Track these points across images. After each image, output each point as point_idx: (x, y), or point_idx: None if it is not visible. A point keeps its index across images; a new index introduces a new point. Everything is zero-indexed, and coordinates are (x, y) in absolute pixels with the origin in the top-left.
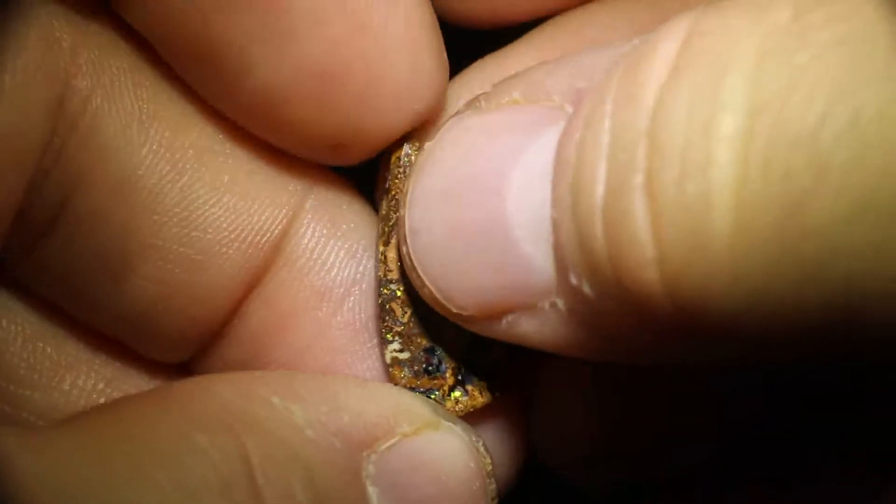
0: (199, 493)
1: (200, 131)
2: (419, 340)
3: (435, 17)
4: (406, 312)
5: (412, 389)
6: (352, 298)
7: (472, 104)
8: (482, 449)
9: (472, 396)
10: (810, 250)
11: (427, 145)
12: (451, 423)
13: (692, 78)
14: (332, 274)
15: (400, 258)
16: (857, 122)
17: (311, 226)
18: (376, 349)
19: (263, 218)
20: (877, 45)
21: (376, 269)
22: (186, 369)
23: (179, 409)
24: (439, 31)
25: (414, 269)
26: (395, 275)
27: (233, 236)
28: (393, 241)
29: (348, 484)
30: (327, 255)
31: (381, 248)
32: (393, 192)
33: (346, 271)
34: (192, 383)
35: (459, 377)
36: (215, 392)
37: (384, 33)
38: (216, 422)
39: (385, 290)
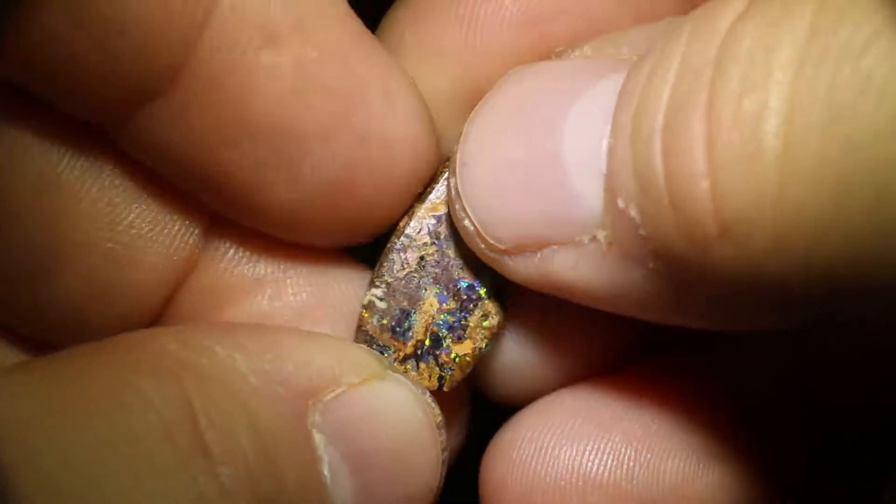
0: (141, 437)
1: None
2: (401, 299)
3: (425, 102)
4: (405, 269)
5: (370, 339)
6: (289, 280)
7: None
8: (430, 401)
9: (420, 375)
10: (848, 165)
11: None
12: (398, 375)
13: (764, 10)
14: (264, 263)
15: (448, 194)
16: None
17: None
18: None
19: (187, 210)
20: None
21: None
22: None
23: (120, 356)
24: (430, 114)
25: (459, 199)
26: (413, 231)
27: (158, 228)
28: (427, 200)
29: (294, 431)
30: (255, 244)
31: (414, 203)
32: (447, 162)
33: (277, 260)
34: (134, 334)
35: (419, 352)
36: (157, 341)
37: (388, 137)
38: (157, 368)
39: (396, 240)
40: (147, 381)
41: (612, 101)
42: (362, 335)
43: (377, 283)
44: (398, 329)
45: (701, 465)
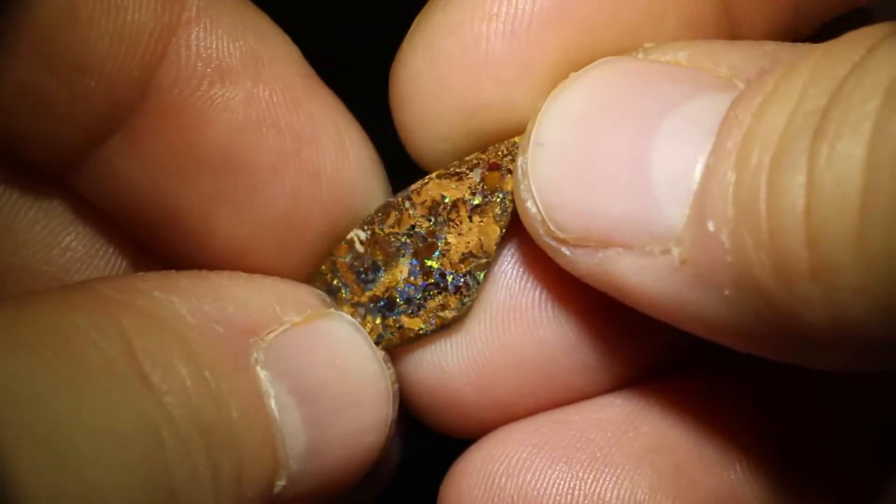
0: (84, 365)
1: None
2: (378, 253)
3: (371, 145)
4: (394, 228)
5: (335, 271)
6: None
7: (629, 54)
8: (372, 341)
9: (363, 325)
10: None
11: (572, 74)
12: (340, 313)
13: (875, 59)
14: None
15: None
16: None
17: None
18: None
19: (121, 234)
20: None
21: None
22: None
23: (57, 300)
24: (377, 157)
25: (526, 179)
26: (417, 198)
27: (93, 251)
28: (446, 177)
29: (235, 367)
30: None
31: (433, 174)
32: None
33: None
34: (70, 284)
35: (371, 305)
36: (92, 286)
37: (338, 174)
38: (92, 307)
39: (401, 197)
40: (83, 318)
41: (713, 121)
42: (330, 263)
43: (365, 228)
44: (363, 277)
45: (647, 496)
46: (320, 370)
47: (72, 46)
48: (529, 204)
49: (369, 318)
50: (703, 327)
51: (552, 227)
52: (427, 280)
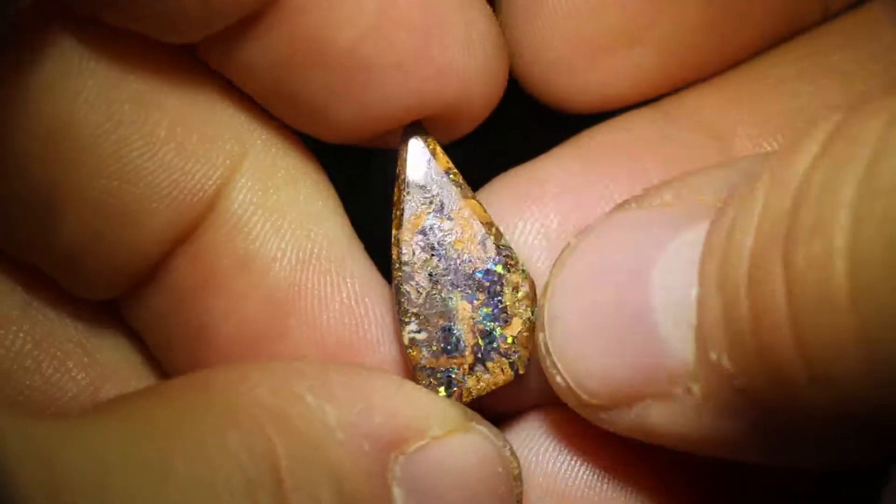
0: (221, 493)
1: (138, 84)
2: (436, 320)
3: (502, 34)
4: (421, 293)
5: (431, 370)
6: (272, 273)
7: (622, 206)
8: (509, 453)
9: (493, 374)
10: None
11: (572, 239)
12: (481, 427)
13: (832, 152)
14: (256, 245)
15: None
16: None
17: (243, 191)
18: (293, 329)
19: (197, 177)
20: None
21: (390, 252)
22: (114, 310)
23: (214, 402)
24: (505, 44)
25: (549, 355)
26: (408, 257)
27: (164, 192)
28: (405, 220)
29: (374, 487)
30: (253, 224)
31: (394, 232)
32: (402, 177)
33: (269, 244)
34: (231, 372)
35: (479, 355)
36: (252, 385)
37: (465, 71)
38: (249, 419)
39: (398, 273)
40: (235, 434)
41: (697, 247)
42: (423, 371)
43: (406, 320)
44: (449, 347)
45: (674, 489)
46: (452, 490)
47: None
48: (559, 379)
49: (489, 364)
50: (739, 454)
51: (584, 396)
52: (484, 289)
